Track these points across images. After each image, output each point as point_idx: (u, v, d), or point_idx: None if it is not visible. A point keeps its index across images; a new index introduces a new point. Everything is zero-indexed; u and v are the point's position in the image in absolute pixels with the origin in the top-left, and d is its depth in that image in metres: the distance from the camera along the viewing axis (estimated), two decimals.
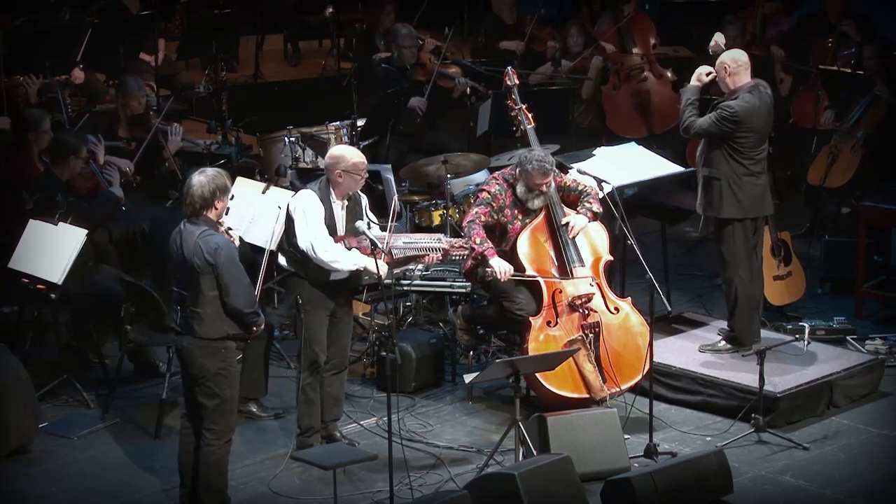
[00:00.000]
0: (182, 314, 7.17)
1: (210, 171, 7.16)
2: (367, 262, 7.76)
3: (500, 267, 8.36)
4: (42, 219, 8.84)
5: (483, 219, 8.48)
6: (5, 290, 9.11)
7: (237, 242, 7.31)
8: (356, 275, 7.89)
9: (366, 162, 7.93)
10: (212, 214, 7.11)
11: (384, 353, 8.73)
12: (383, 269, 7.76)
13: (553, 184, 8.60)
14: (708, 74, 8.90)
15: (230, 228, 7.31)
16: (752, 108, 8.66)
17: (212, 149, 11.08)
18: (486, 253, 8.38)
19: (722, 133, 8.66)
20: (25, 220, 8.89)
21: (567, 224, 8.59)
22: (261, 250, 9.06)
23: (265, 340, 8.69)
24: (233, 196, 7.32)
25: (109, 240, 9.75)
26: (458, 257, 8.42)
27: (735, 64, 8.74)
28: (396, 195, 8.30)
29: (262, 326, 7.31)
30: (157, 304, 8.47)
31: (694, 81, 8.89)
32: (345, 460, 7.39)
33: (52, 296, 8.69)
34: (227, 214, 7.31)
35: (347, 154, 7.90)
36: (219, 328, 7.10)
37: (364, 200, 8.06)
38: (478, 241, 8.39)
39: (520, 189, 8.57)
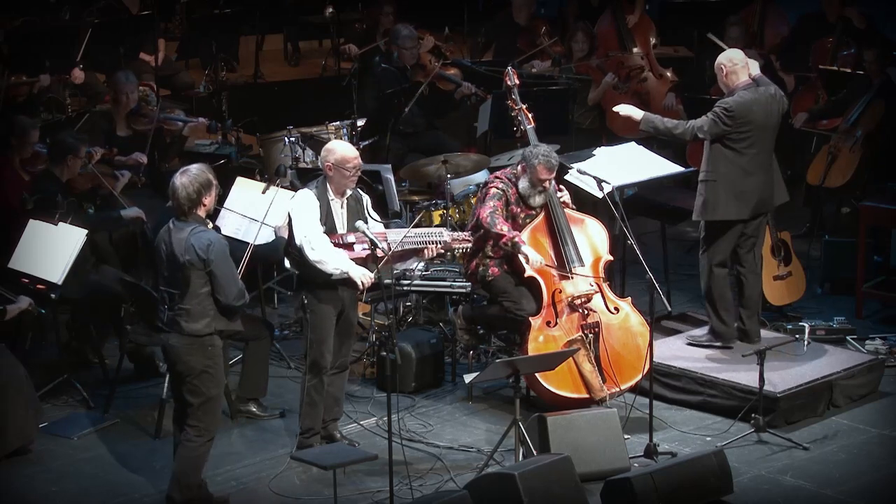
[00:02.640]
0: (169, 312, 7.19)
1: (192, 169, 7.18)
2: (349, 268, 7.74)
3: (533, 255, 8.38)
4: (42, 219, 8.83)
5: (499, 211, 8.50)
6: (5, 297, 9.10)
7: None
8: (351, 284, 7.87)
9: (357, 159, 7.89)
10: (201, 212, 7.16)
11: (384, 353, 8.73)
12: (366, 277, 7.73)
13: (553, 183, 8.63)
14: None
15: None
16: (749, 104, 8.70)
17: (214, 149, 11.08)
18: (516, 240, 8.41)
19: (721, 131, 8.67)
20: (25, 220, 8.89)
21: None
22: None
23: (266, 340, 8.70)
24: (219, 187, 7.34)
25: (109, 240, 9.75)
26: (460, 250, 8.44)
27: (731, 63, 8.80)
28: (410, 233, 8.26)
29: (247, 300, 7.29)
30: (157, 305, 8.47)
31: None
32: (345, 460, 7.39)
33: (52, 296, 8.68)
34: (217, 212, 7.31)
35: (338, 148, 7.91)
36: (207, 324, 7.14)
37: (366, 199, 8.06)
38: (505, 229, 8.42)
39: (522, 185, 8.58)
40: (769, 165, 8.91)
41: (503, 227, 8.42)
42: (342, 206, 7.92)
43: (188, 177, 7.12)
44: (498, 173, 8.76)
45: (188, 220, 7.13)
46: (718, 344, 9.01)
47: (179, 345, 7.16)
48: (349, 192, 7.93)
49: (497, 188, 8.59)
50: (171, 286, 7.18)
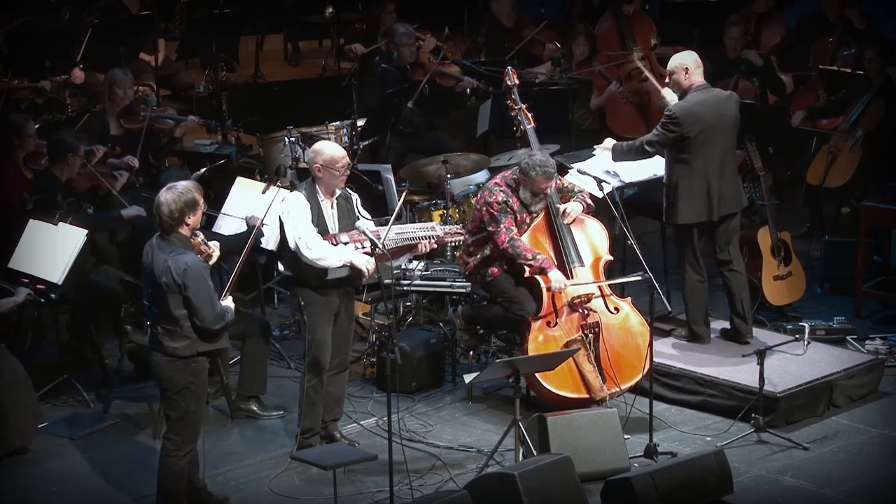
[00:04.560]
0: (151, 330, 7.14)
1: (179, 186, 7.05)
2: (352, 257, 7.75)
3: (559, 280, 8.37)
4: (42, 219, 8.83)
5: (514, 230, 8.47)
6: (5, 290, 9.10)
7: (216, 255, 7.22)
8: (356, 273, 7.88)
9: (345, 158, 7.89)
10: (184, 231, 7.03)
11: (384, 353, 8.73)
12: (370, 263, 7.75)
13: (553, 185, 8.62)
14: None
15: (206, 242, 7.21)
16: (695, 105, 8.79)
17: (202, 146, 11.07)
18: (544, 265, 8.39)
19: (670, 139, 8.76)
20: (25, 220, 8.89)
21: (564, 211, 8.60)
22: (260, 251, 9.07)
23: (262, 337, 8.69)
24: (206, 208, 7.22)
25: (110, 241, 9.74)
26: (452, 243, 8.42)
27: (687, 66, 8.85)
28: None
29: (229, 321, 7.15)
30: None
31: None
32: (345, 460, 7.39)
33: (52, 296, 8.68)
34: (203, 218, 7.20)
35: (325, 149, 7.90)
36: (188, 346, 7.06)
37: (355, 198, 8.05)
38: (529, 255, 8.39)
39: (524, 194, 8.55)
40: (729, 167, 8.91)
41: (528, 255, 8.40)
42: (332, 207, 7.91)
43: (173, 194, 6.98)
44: (497, 179, 8.68)
45: (170, 238, 7.01)
46: (686, 337, 9.15)
47: (162, 362, 7.11)
48: (338, 192, 7.93)
49: (500, 202, 8.52)
50: (153, 303, 7.11)
